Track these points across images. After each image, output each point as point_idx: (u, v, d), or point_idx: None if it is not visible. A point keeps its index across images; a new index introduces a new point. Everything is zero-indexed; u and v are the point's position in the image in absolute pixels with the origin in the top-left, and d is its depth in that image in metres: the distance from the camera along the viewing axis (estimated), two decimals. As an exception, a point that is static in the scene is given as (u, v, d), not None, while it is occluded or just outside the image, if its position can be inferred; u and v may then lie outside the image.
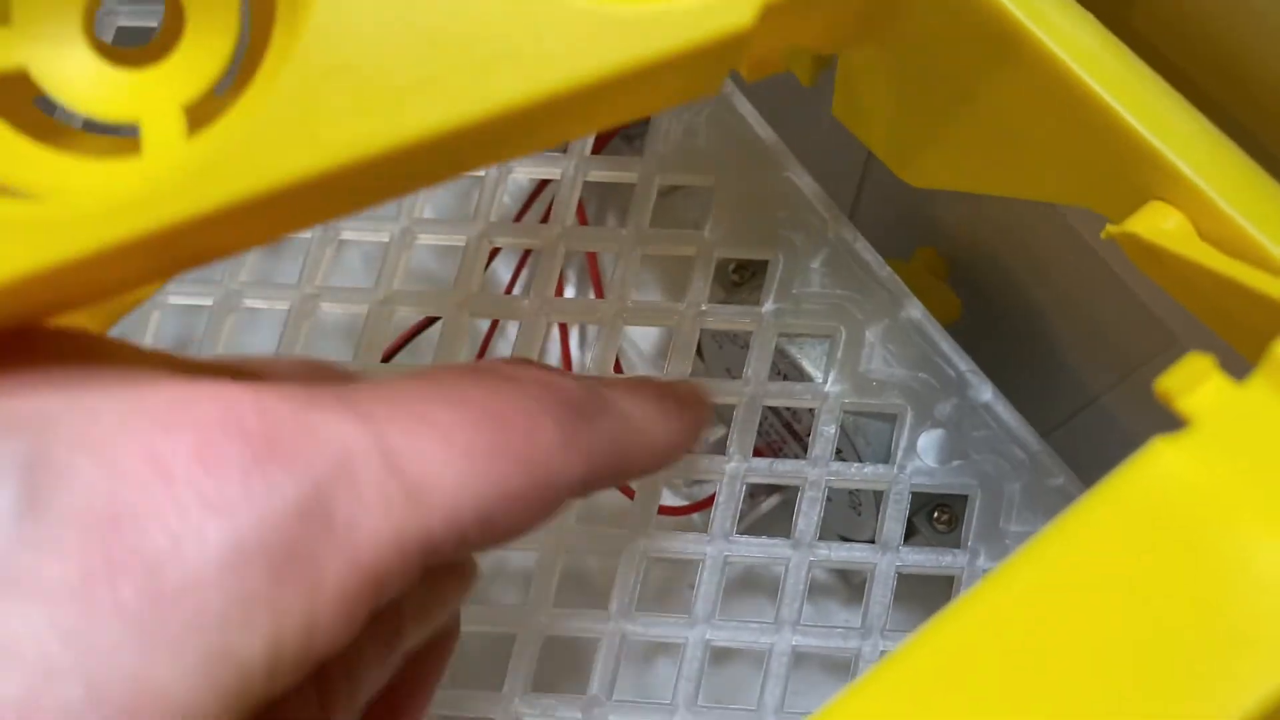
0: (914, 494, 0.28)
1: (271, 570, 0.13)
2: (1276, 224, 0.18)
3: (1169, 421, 0.30)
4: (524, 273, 0.34)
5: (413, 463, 0.15)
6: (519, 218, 0.34)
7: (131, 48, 0.19)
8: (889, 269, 0.30)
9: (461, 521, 0.15)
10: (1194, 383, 0.15)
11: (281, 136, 0.15)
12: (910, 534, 0.31)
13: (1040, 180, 0.22)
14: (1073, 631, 0.14)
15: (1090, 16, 0.20)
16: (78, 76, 0.16)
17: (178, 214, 0.15)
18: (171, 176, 0.15)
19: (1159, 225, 0.19)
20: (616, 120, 0.18)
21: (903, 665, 0.14)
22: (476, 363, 0.29)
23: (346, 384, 0.16)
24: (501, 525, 0.16)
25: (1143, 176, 0.19)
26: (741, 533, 0.35)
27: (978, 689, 0.14)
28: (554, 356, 0.35)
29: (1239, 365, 0.20)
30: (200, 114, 0.17)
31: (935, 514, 0.31)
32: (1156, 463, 0.15)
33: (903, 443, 0.28)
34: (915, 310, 0.29)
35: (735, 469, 0.29)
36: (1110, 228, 0.20)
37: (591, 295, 0.34)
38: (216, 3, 0.17)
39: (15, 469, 0.13)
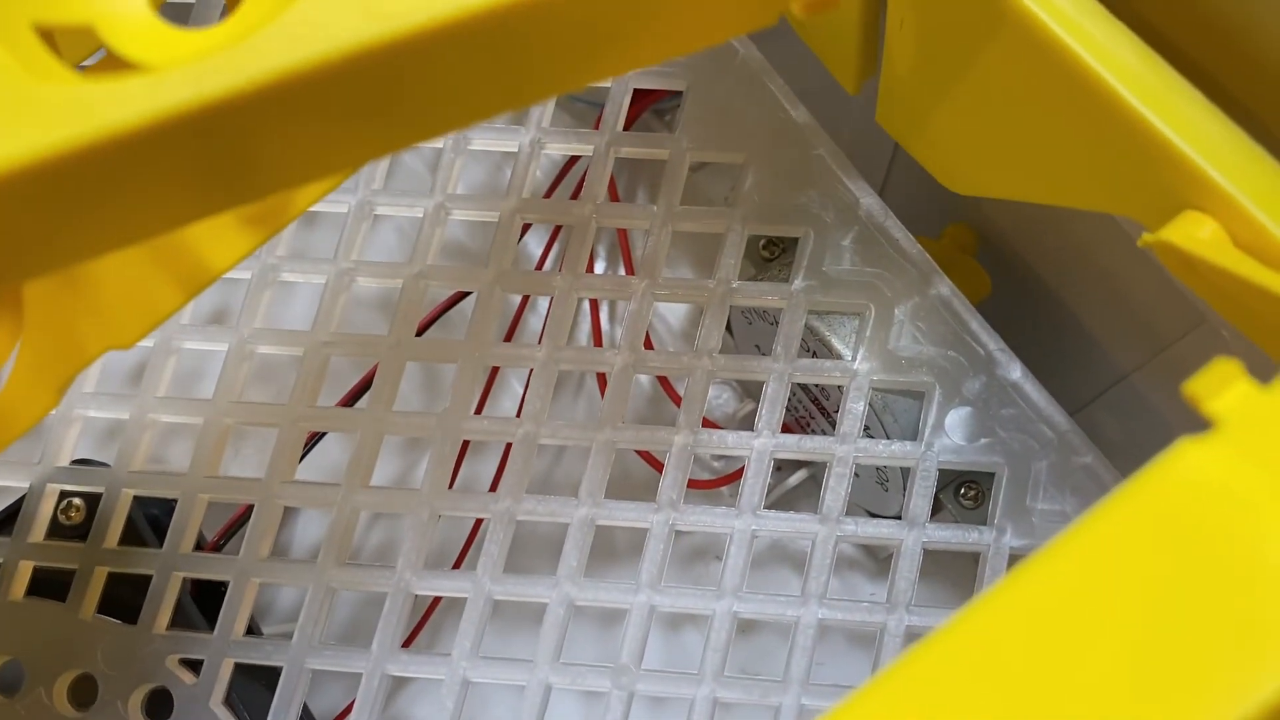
0: (941, 471, 0.29)
1: None
2: None
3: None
4: (555, 247, 0.35)
5: None
6: (549, 193, 0.34)
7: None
8: (919, 246, 0.30)
9: None
10: (1221, 386, 0.15)
11: (336, 9, 0.15)
12: (936, 510, 0.31)
13: (1079, 189, 0.22)
14: (1096, 630, 0.14)
15: (1123, 26, 0.20)
16: (140, 34, 0.16)
17: (232, 83, 0.14)
18: (225, 51, 0.15)
19: (1194, 234, 0.19)
20: (671, 40, 0.17)
21: (926, 658, 0.15)
22: None
23: None
24: None
25: (1177, 186, 0.19)
26: (769, 506, 0.35)
27: (1000, 683, 0.14)
28: (584, 330, 0.35)
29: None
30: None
31: (962, 490, 0.31)
32: (1182, 463, 0.15)
33: (930, 420, 0.29)
34: (945, 288, 0.29)
35: (764, 445, 0.29)
36: (1146, 236, 0.20)
37: (621, 270, 0.34)
38: None
39: None
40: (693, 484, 0.34)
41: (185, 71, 0.15)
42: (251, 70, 0.15)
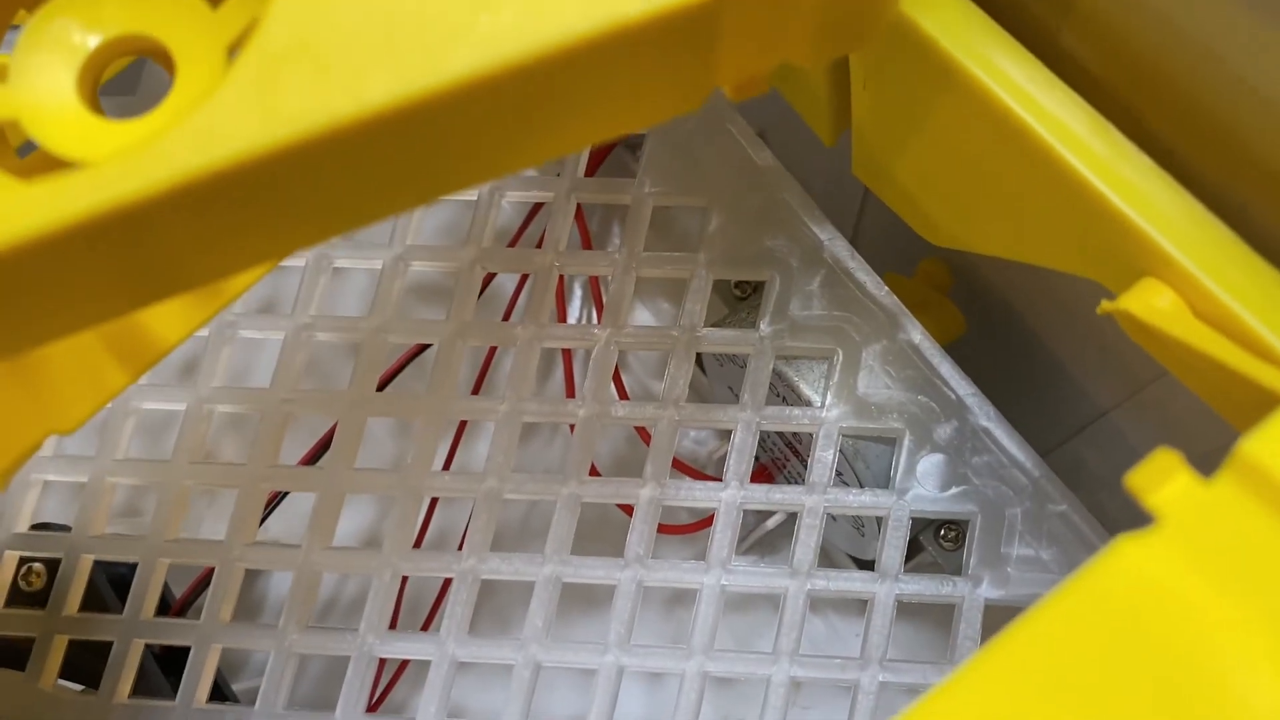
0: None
1: None
2: (1266, 305, 0.18)
3: (1175, 442, 0.30)
4: (527, 287, 0.34)
5: None
6: (519, 234, 0.33)
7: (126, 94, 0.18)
8: (886, 289, 0.29)
9: None
10: (1161, 479, 0.14)
11: (241, 111, 0.15)
12: (917, 551, 0.31)
13: (1043, 250, 0.22)
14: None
15: (1072, 92, 0.19)
16: (65, 128, 0.16)
17: (137, 189, 0.15)
18: (130, 155, 0.15)
19: (1152, 303, 0.19)
20: (592, 129, 0.17)
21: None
22: None
23: None
24: None
25: (1135, 256, 0.19)
26: (749, 549, 0.35)
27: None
28: (558, 379, 0.35)
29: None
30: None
31: (941, 531, 0.30)
32: (1121, 562, 0.14)
33: (901, 467, 0.28)
34: (915, 332, 0.29)
35: (731, 497, 0.28)
36: (1105, 304, 0.20)
37: (594, 313, 0.33)
38: (203, 52, 0.16)
39: None
40: (673, 529, 0.34)
41: (85, 178, 0.15)
42: (151, 176, 0.15)
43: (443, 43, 0.15)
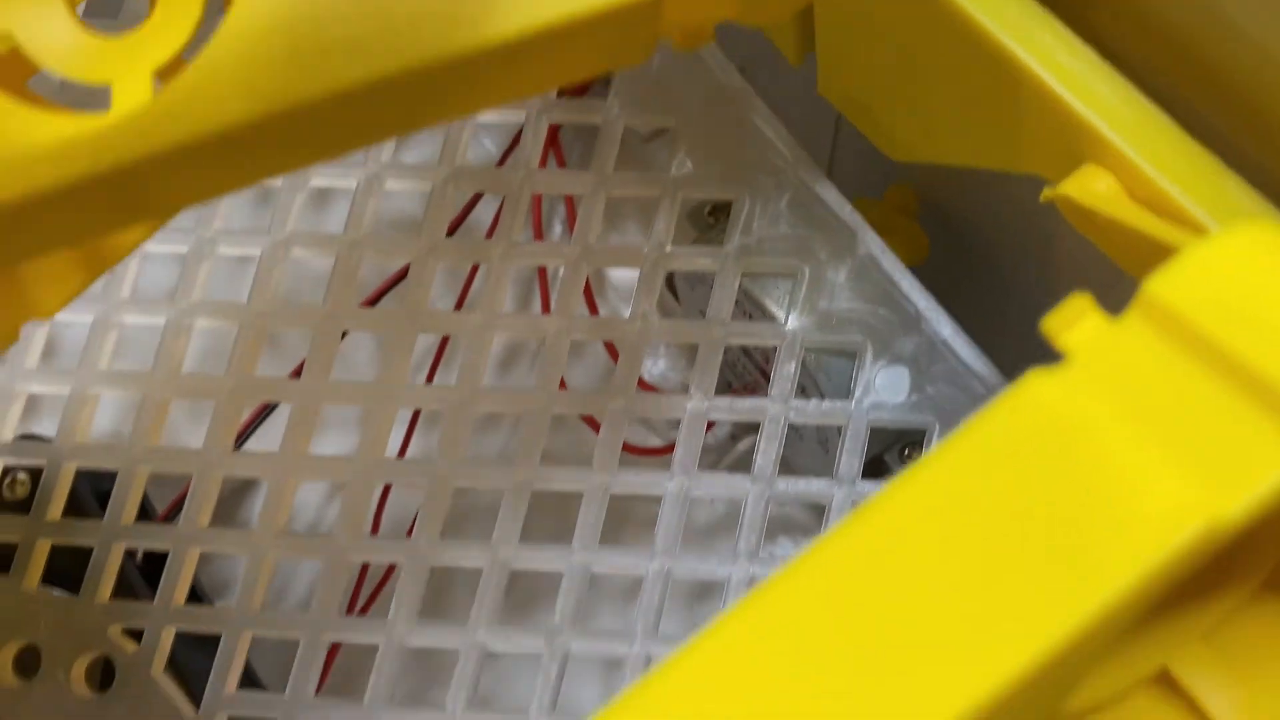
0: (884, 431, 0.29)
1: None
2: (1197, 185, 0.19)
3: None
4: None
5: None
6: (501, 163, 0.34)
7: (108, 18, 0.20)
8: (850, 207, 0.30)
9: None
10: (1073, 320, 0.15)
11: (223, 87, 0.16)
12: (883, 471, 0.31)
13: (995, 152, 0.23)
14: (942, 553, 0.15)
15: None
16: (58, 42, 0.18)
17: (128, 155, 0.16)
18: (124, 124, 0.17)
19: (1091, 188, 0.19)
20: (545, 83, 0.19)
21: (775, 592, 0.15)
22: None
23: None
24: None
25: (1075, 143, 0.20)
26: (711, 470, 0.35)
27: (849, 607, 0.15)
28: (537, 308, 0.35)
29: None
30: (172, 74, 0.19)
31: (906, 451, 0.31)
32: (1031, 393, 0.15)
33: (862, 379, 0.29)
34: (876, 247, 0.29)
35: (696, 407, 0.29)
36: (1047, 190, 0.20)
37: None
38: None
39: None
40: (642, 451, 0.34)
41: (88, 142, 0.17)
42: (146, 145, 0.17)
43: (406, 29, 0.16)
